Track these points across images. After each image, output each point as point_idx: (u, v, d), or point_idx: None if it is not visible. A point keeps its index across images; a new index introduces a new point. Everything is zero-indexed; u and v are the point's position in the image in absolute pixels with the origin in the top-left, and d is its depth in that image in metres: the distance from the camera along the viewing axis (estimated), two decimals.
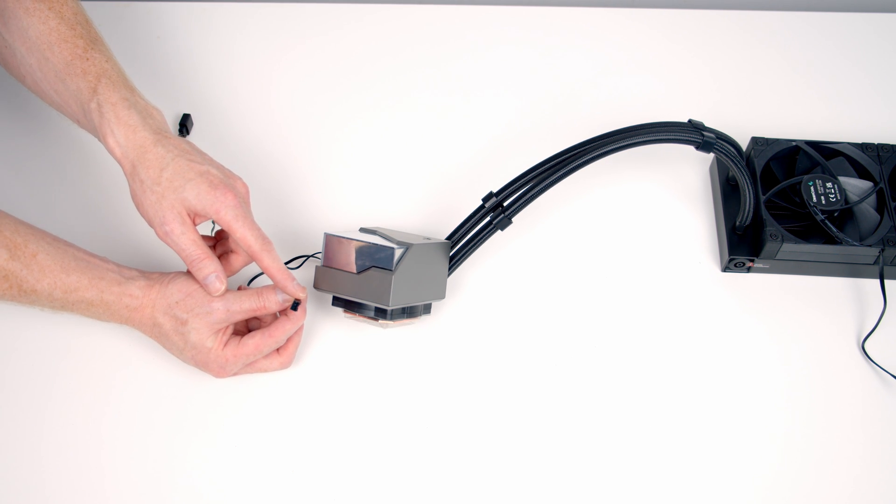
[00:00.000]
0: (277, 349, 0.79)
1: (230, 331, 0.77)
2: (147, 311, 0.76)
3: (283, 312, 0.77)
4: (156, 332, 0.76)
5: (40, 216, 0.82)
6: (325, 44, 1.03)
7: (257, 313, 0.76)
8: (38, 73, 0.78)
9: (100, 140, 0.76)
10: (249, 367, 0.78)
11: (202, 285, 0.75)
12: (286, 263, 0.85)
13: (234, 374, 0.78)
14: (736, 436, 0.77)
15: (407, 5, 1.06)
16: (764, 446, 0.77)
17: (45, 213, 0.88)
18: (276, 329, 0.76)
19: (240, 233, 0.74)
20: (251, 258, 0.77)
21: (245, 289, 0.78)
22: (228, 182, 0.75)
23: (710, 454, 0.76)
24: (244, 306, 0.75)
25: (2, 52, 0.81)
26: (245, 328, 0.80)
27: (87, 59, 0.77)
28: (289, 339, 0.79)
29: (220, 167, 0.77)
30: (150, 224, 0.75)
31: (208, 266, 0.75)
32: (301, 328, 0.79)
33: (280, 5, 1.06)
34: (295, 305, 0.76)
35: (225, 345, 0.76)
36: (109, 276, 0.76)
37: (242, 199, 0.75)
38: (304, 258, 0.86)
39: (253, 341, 0.76)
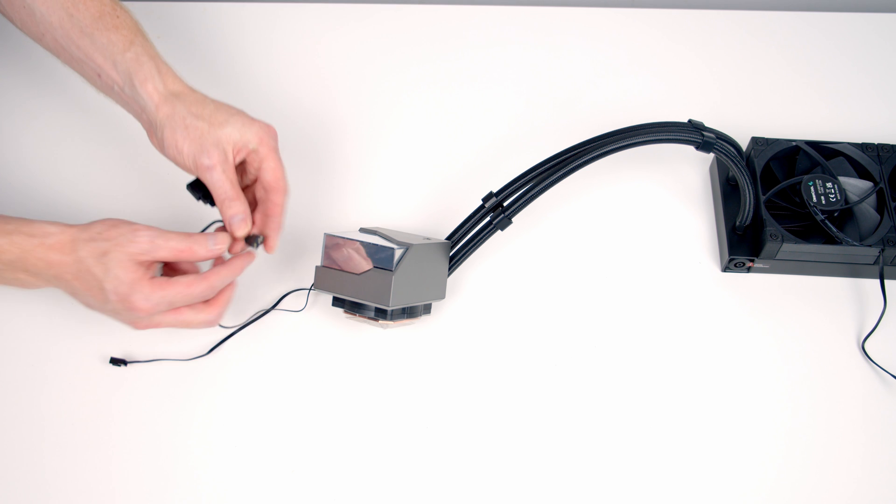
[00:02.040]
0: (207, 301, 0.75)
1: (154, 269, 0.73)
2: (67, 245, 0.71)
3: (217, 262, 0.75)
4: (77, 270, 0.71)
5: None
6: (325, 44, 1.03)
7: (182, 256, 0.72)
8: (58, 30, 0.78)
9: (135, 86, 0.76)
10: (174, 314, 0.73)
11: (227, 224, 0.75)
12: (285, 296, 0.85)
13: (157, 323, 0.73)
14: (736, 436, 0.77)
15: (407, 5, 1.06)
16: (764, 446, 0.77)
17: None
18: (212, 274, 0.73)
19: (275, 163, 0.77)
20: (271, 192, 0.77)
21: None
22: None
23: (710, 454, 0.76)
24: (170, 243, 0.72)
25: (19, 13, 0.81)
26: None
27: (118, 16, 0.78)
28: (220, 292, 0.75)
29: None
30: (192, 160, 0.74)
31: (239, 206, 0.75)
32: (234, 283, 0.76)
33: (280, 5, 1.06)
34: (255, 243, 0.75)
35: (150, 279, 0.71)
36: (17, 220, 0.72)
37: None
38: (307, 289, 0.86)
39: (185, 280, 0.72)
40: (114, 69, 0.77)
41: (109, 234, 0.71)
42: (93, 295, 0.72)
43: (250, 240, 0.75)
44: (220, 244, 0.74)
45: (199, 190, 0.78)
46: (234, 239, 0.76)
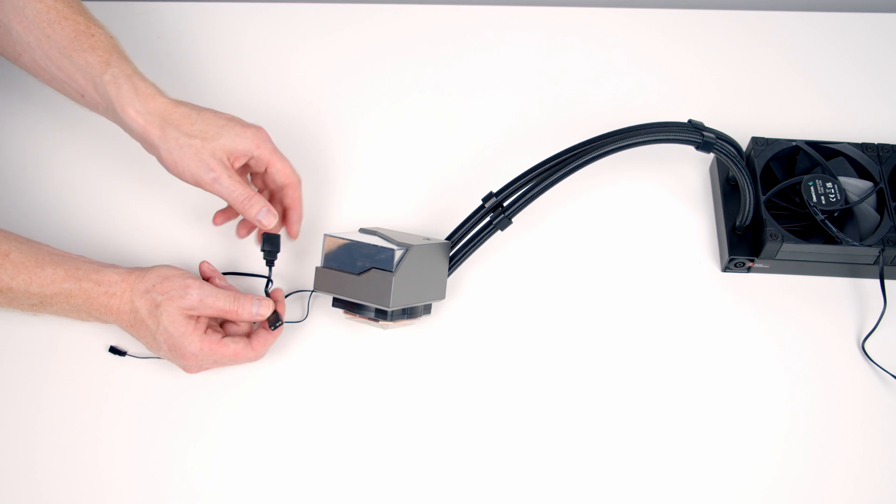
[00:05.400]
0: None
1: (204, 323, 0.76)
2: (126, 295, 0.75)
3: (260, 325, 0.78)
4: (133, 319, 0.76)
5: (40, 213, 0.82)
6: (325, 44, 1.03)
7: (228, 316, 0.76)
8: (37, 51, 0.79)
9: (116, 111, 0.77)
10: (219, 362, 0.78)
11: (255, 223, 0.78)
12: (287, 296, 0.84)
13: (206, 367, 0.78)
14: (736, 436, 0.77)
15: (407, 5, 1.06)
16: (764, 446, 0.77)
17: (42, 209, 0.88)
18: (258, 343, 0.77)
19: (280, 163, 0.80)
20: (285, 187, 0.81)
21: (225, 287, 0.79)
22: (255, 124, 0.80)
23: (710, 454, 0.76)
24: (218, 303, 0.75)
25: None
26: (220, 326, 0.80)
27: (93, 35, 0.79)
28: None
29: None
30: (194, 178, 0.77)
31: (258, 202, 0.78)
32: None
33: (280, 5, 1.06)
34: (274, 325, 0.77)
35: (203, 333, 0.75)
36: (86, 266, 0.76)
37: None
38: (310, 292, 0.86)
39: (235, 347, 0.76)
40: (95, 91, 0.78)
41: (163, 288, 0.75)
42: (147, 342, 0.77)
43: (271, 321, 0.78)
44: (264, 310, 0.77)
45: (267, 245, 0.81)
46: (257, 239, 0.79)
